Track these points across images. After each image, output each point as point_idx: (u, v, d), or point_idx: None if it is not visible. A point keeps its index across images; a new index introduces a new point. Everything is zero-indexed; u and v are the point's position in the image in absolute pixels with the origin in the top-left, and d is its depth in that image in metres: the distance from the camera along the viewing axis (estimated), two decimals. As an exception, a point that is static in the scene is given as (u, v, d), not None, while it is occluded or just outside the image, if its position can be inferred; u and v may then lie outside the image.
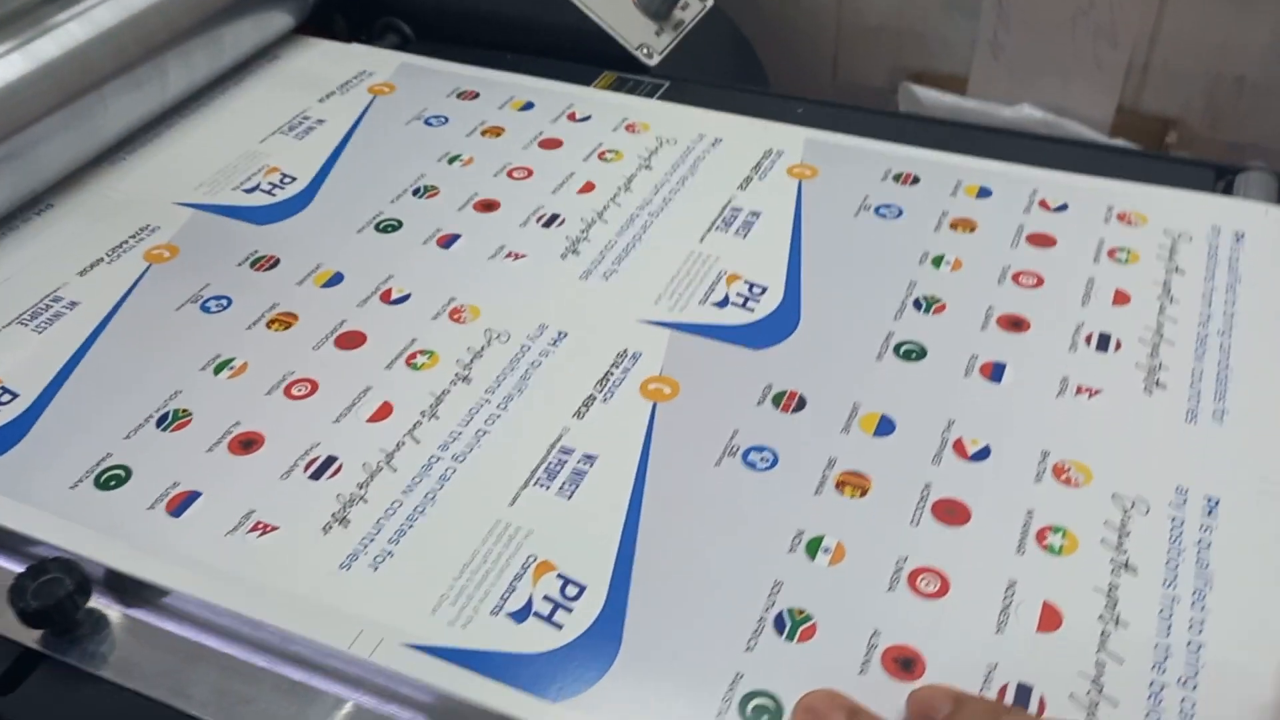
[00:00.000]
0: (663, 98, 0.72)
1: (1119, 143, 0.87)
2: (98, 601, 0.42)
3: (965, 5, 0.91)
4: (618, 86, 0.74)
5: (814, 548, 0.43)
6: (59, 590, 0.40)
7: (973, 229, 0.60)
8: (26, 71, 0.59)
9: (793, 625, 0.40)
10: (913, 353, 0.52)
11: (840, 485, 0.45)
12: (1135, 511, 0.44)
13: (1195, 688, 0.38)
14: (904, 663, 0.39)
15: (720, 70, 0.83)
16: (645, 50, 0.75)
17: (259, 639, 0.41)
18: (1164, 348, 0.52)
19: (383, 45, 0.80)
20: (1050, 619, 0.40)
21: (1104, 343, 0.52)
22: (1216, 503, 0.44)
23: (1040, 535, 0.43)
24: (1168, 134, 0.90)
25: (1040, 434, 0.47)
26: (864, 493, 0.45)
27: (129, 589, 0.43)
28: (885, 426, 0.48)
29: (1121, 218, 0.60)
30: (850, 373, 0.51)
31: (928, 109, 0.95)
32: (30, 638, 0.41)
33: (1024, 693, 0.38)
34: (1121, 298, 0.55)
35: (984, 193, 0.62)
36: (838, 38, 0.98)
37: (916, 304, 0.55)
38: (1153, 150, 0.89)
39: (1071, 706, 0.38)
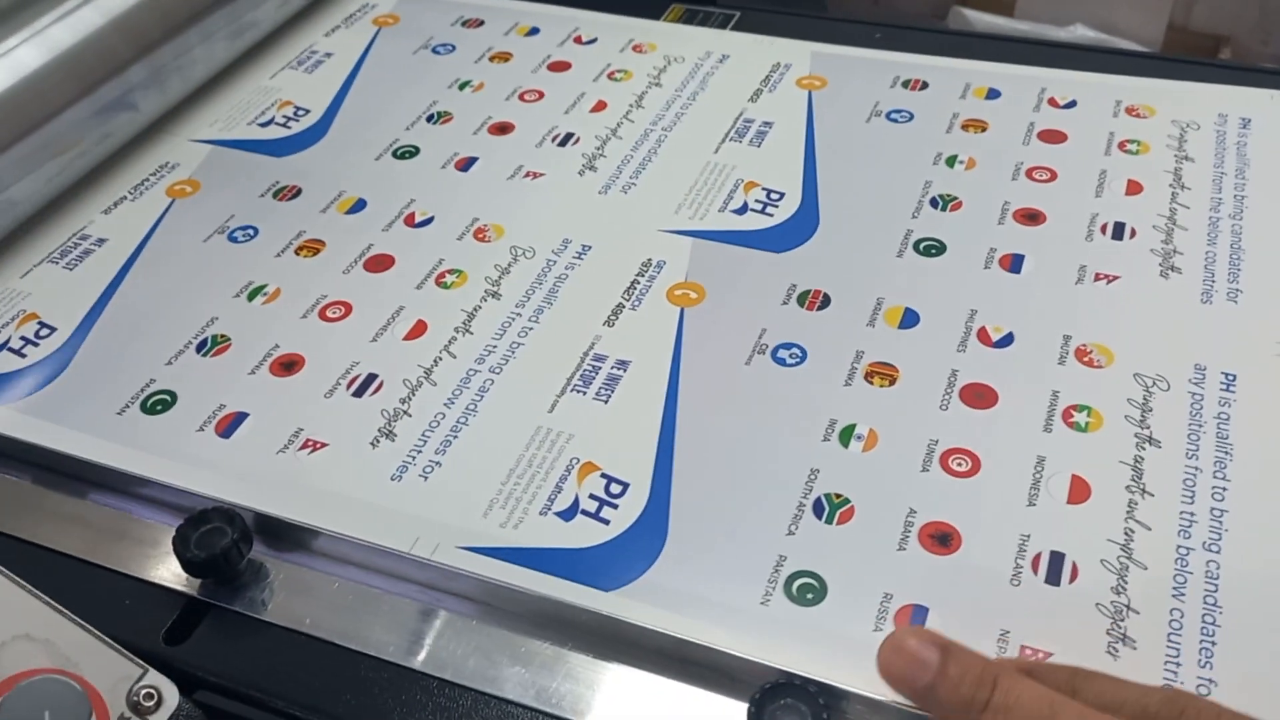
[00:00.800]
0: (735, 28, 0.71)
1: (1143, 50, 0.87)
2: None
3: None
4: (688, 20, 0.72)
5: (847, 436, 0.44)
6: (221, 539, 0.39)
7: (984, 129, 0.60)
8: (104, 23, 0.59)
9: (831, 509, 0.42)
10: (933, 249, 0.53)
11: (869, 376, 0.47)
12: (1156, 389, 0.45)
13: (1219, 550, 0.40)
14: (940, 538, 0.41)
15: None
16: None
17: (399, 570, 0.42)
18: (1178, 233, 0.53)
19: None
20: (1080, 491, 0.42)
21: (1119, 231, 0.53)
22: (1234, 378, 0.46)
23: (1066, 414, 0.45)
24: (1220, 51, 0.90)
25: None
26: (893, 382, 0.47)
27: (276, 530, 0.43)
28: (910, 319, 0.49)
29: (1130, 111, 0.61)
30: (872, 270, 0.52)
31: (979, 31, 0.94)
32: (193, 588, 0.41)
33: (1057, 559, 0.40)
34: (1134, 187, 0.56)
35: (993, 94, 0.63)
36: None
37: (933, 202, 0.56)
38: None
39: (1102, 571, 0.39)
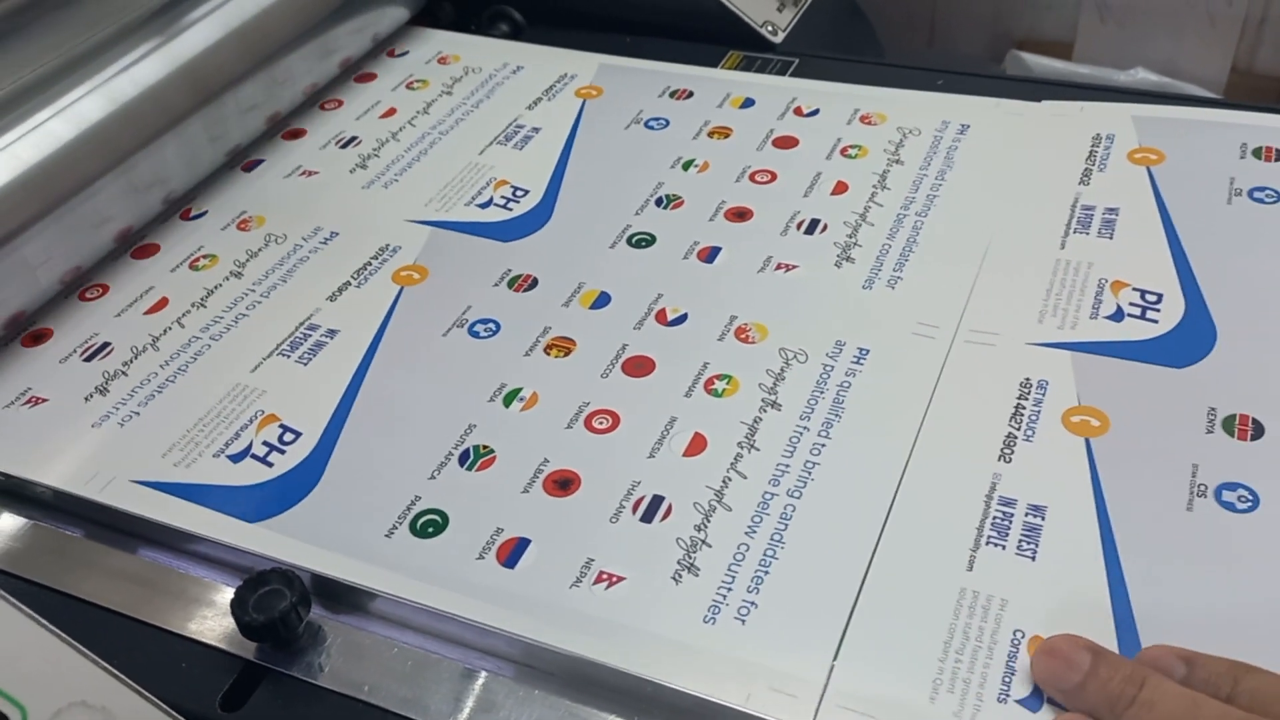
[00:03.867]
0: (795, 74, 0.70)
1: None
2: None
3: None
4: (745, 67, 0.71)
5: (510, 398, 0.49)
6: (280, 602, 0.38)
7: (727, 135, 0.64)
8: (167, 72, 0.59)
9: (475, 458, 0.46)
10: (643, 241, 0.57)
11: (549, 349, 0.51)
12: (795, 362, 0.49)
13: (800, 496, 0.43)
14: (561, 483, 0.45)
15: (838, 42, 0.79)
16: (770, 28, 0.72)
17: (485, 644, 0.40)
18: (864, 229, 0.56)
19: (493, 34, 0.77)
20: (697, 445, 0.46)
21: (811, 227, 0.56)
22: (867, 352, 0.49)
23: (709, 383, 0.48)
24: None
25: (734, 306, 0.52)
26: (567, 354, 0.51)
27: (339, 595, 0.42)
28: (602, 300, 0.54)
29: (864, 120, 0.63)
30: (583, 259, 0.56)
31: (1037, 76, 0.90)
32: (249, 651, 0.40)
33: (657, 501, 0.43)
34: (841, 188, 0.59)
35: (747, 103, 0.66)
36: (934, 4, 0.95)
37: (659, 201, 0.60)
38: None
39: (692, 511, 0.43)
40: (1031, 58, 0.91)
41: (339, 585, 0.41)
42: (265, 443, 0.48)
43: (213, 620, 0.41)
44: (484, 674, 0.39)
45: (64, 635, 0.35)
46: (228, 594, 0.41)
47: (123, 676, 0.34)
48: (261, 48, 0.64)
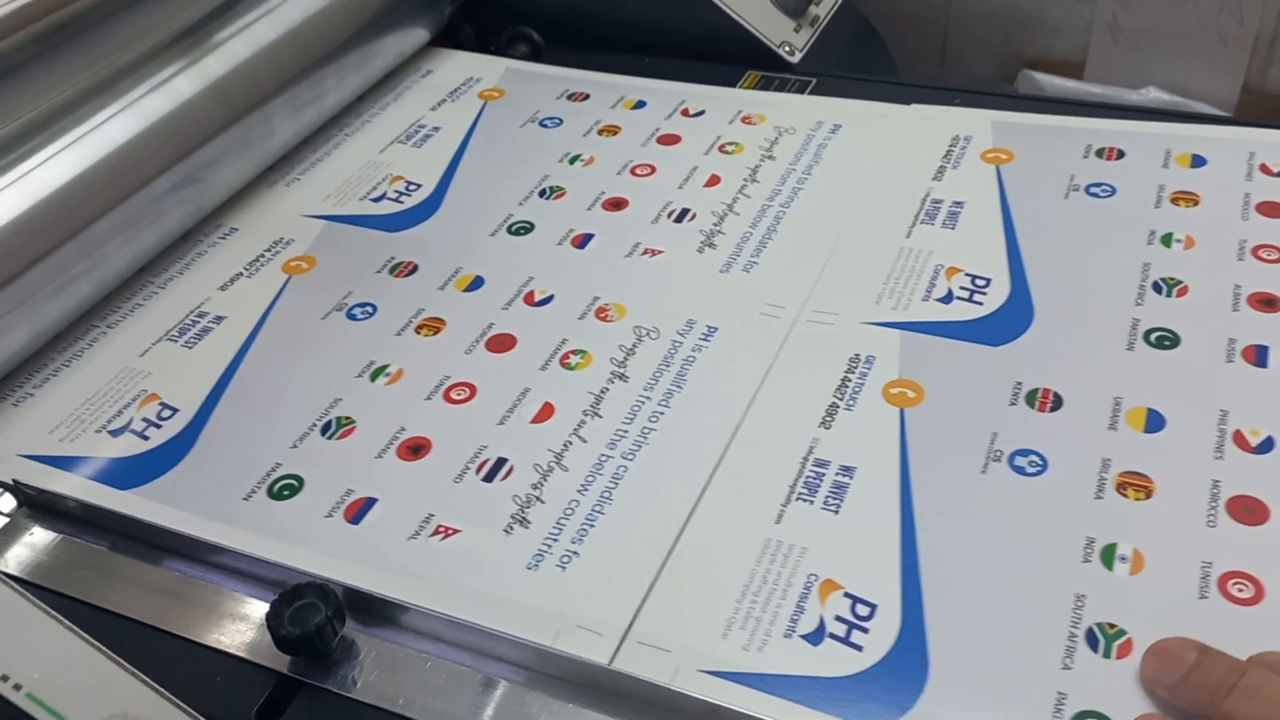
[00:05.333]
0: (813, 94, 0.71)
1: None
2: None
3: None
4: (764, 86, 0.72)
5: (377, 373, 0.52)
6: (315, 616, 0.38)
7: (616, 133, 0.68)
8: (194, 93, 0.60)
9: (336, 428, 0.49)
10: (522, 229, 0.60)
11: (420, 328, 0.54)
12: (647, 338, 0.51)
13: (633, 459, 0.46)
14: (414, 448, 0.48)
15: (853, 63, 0.81)
16: (787, 48, 0.73)
17: (514, 657, 0.40)
18: (729, 218, 0.59)
19: (513, 55, 0.78)
20: (545, 413, 0.49)
21: (681, 216, 0.60)
22: (715, 330, 0.52)
23: (564, 357, 0.51)
24: None
25: (599, 288, 0.55)
26: (436, 332, 0.54)
27: (373, 609, 0.42)
28: (476, 284, 0.57)
29: (745, 120, 0.67)
30: (463, 247, 0.59)
31: (1051, 95, 0.92)
32: (282, 664, 0.40)
33: (500, 463, 0.46)
34: (713, 180, 0.62)
35: (639, 105, 0.70)
36: (946, 26, 0.96)
37: (542, 193, 0.63)
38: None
39: (531, 472, 0.46)
40: (1043, 77, 0.92)
41: (373, 599, 0.41)
42: (144, 419, 0.51)
43: (246, 633, 0.41)
44: (503, 684, 0.39)
45: (104, 648, 0.35)
46: (258, 606, 0.42)
47: (162, 689, 0.34)
48: (291, 66, 0.66)
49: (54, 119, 0.55)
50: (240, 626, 0.42)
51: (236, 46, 0.62)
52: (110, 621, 0.42)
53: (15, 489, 0.47)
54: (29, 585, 0.43)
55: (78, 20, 0.57)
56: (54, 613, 0.35)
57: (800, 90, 0.71)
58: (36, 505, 0.47)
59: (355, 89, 0.72)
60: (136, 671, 0.34)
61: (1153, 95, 0.88)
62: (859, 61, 0.81)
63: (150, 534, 0.45)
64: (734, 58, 0.73)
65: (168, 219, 0.59)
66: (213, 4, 0.63)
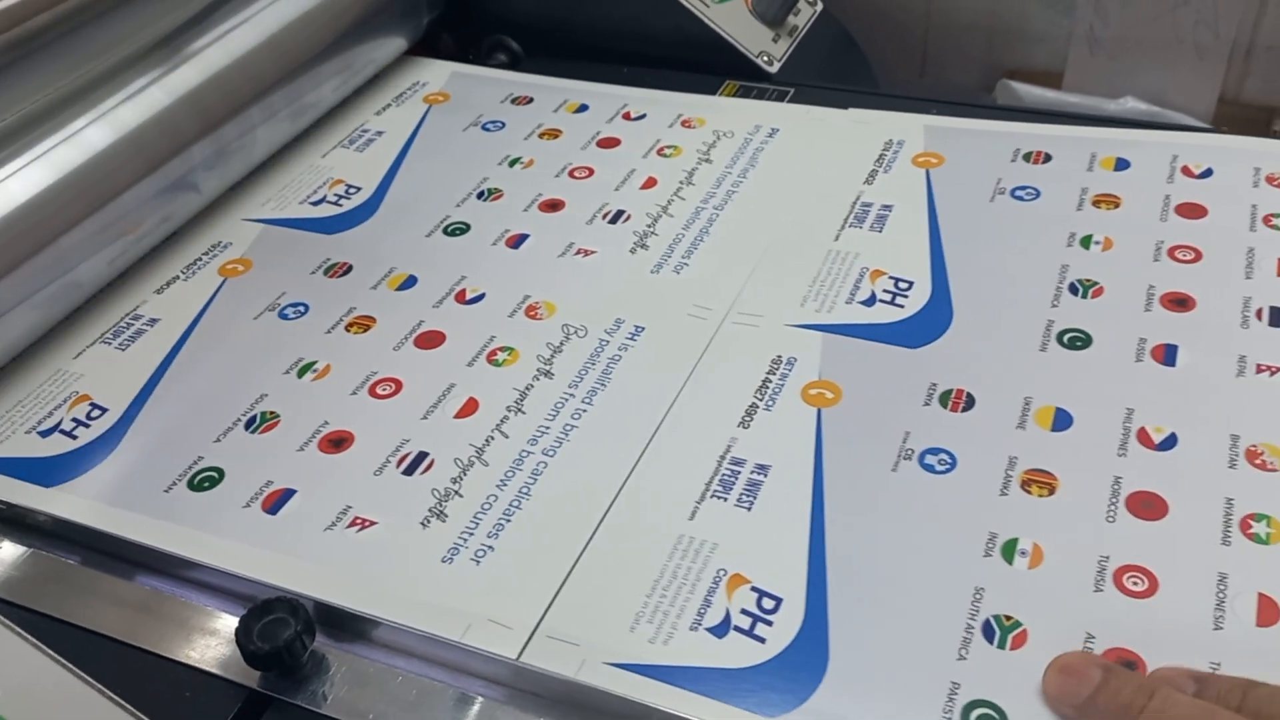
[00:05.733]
0: (790, 104, 0.71)
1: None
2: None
3: (1059, 0, 0.89)
4: (743, 96, 0.72)
5: (305, 369, 0.52)
6: (285, 631, 0.38)
7: (557, 136, 0.69)
8: (171, 102, 0.60)
9: (260, 422, 0.50)
10: (458, 230, 0.61)
11: (350, 326, 0.55)
12: (575, 336, 0.52)
13: (554, 455, 0.46)
14: (336, 441, 0.48)
15: (833, 73, 0.81)
16: (765, 58, 0.74)
17: (488, 672, 0.40)
18: (663, 220, 0.60)
19: (492, 64, 0.78)
20: (469, 408, 0.49)
21: (616, 217, 0.60)
22: (642, 329, 0.53)
23: (491, 355, 0.52)
24: (1273, 122, 0.88)
25: (530, 287, 0.56)
26: (366, 330, 0.55)
27: (343, 623, 0.41)
28: (409, 283, 0.57)
29: (685, 123, 0.68)
30: (399, 247, 0.60)
31: (1029, 105, 0.93)
32: (252, 679, 0.40)
33: (421, 457, 0.47)
34: (650, 183, 0.63)
35: (582, 108, 0.71)
36: (926, 37, 0.96)
37: (480, 194, 0.64)
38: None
39: (452, 466, 0.46)
40: (1022, 87, 0.91)
41: (343, 614, 0.41)
42: (74, 419, 0.51)
43: (215, 648, 0.41)
44: (480, 700, 0.39)
45: (69, 665, 0.34)
46: (228, 621, 0.41)
47: (129, 706, 0.34)
48: (269, 75, 0.66)
49: (22, 130, 0.55)
50: (210, 641, 0.41)
51: (212, 55, 0.62)
52: (80, 637, 0.42)
53: None
54: (-3, 601, 0.43)
55: (46, 30, 0.57)
56: (20, 630, 0.35)
57: (779, 100, 0.71)
58: (6, 519, 0.47)
59: (330, 99, 0.72)
60: (105, 690, 0.34)
61: (1130, 105, 0.89)
62: (838, 72, 0.81)
63: (120, 548, 0.44)
64: (713, 67, 0.74)
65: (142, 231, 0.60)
66: (186, 15, 0.63)
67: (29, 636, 0.35)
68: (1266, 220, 0.55)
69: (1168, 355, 0.49)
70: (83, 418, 0.51)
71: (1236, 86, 0.87)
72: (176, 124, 0.60)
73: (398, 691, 0.39)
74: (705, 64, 0.74)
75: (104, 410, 0.51)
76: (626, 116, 0.70)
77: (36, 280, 0.53)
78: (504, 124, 0.71)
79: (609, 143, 0.68)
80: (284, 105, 0.67)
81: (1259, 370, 0.47)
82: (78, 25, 0.58)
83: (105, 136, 0.57)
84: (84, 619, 0.42)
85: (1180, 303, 0.51)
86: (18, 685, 0.33)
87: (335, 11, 0.70)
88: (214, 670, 0.40)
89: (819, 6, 0.81)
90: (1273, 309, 0.50)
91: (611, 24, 0.76)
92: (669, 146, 0.67)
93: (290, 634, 0.38)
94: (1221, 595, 0.39)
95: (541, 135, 0.69)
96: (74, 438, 0.50)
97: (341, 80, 0.72)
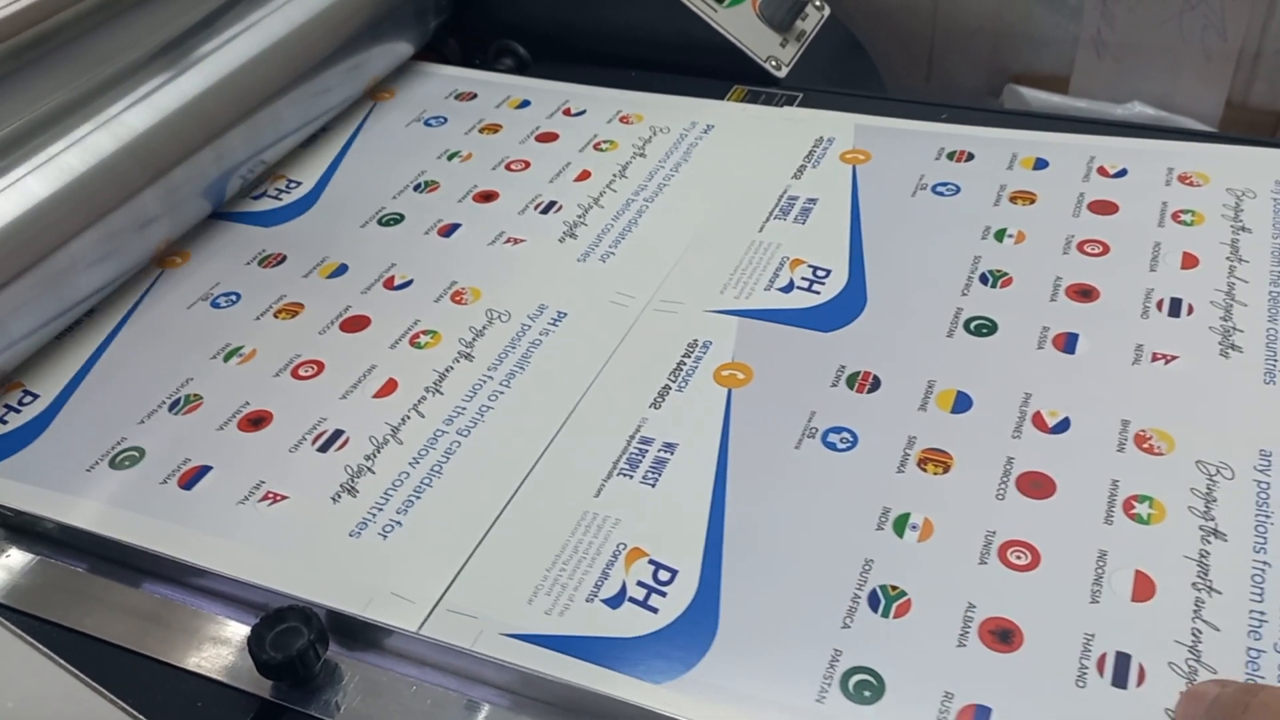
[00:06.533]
0: (799, 108, 0.71)
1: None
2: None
3: (1066, 5, 0.89)
4: (751, 100, 0.72)
5: (230, 354, 0.52)
6: (298, 640, 0.38)
7: (496, 131, 0.68)
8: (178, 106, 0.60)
9: (184, 404, 0.49)
10: (391, 220, 0.61)
11: (278, 313, 0.54)
12: (498, 321, 0.50)
13: (468, 435, 0.44)
14: (255, 420, 0.48)
15: (840, 77, 0.81)
16: (774, 62, 0.74)
17: (500, 681, 0.40)
18: (594, 211, 0.58)
19: (498, 69, 0.78)
20: (388, 388, 0.47)
21: (548, 208, 0.59)
22: (564, 315, 0.50)
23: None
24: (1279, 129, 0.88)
25: (457, 273, 0.54)
26: (294, 316, 0.54)
27: (356, 632, 0.41)
28: (339, 271, 0.58)
29: (623, 119, 0.67)
30: (332, 238, 0.59)
31: (1035, 110, 0.92)
32: (264, 689, 0.39)
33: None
34: (584, 175, 0.62)
35: (524, 104, 0.70)
36: (932, 41, 0.96)
37: (416, 187, 0.64)
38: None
39: (366, 443, 0.44)
40: (1029, 92, 0.91)
41: (356, 622, 0.40)
42: (5, 405, 0.52)
43: (226, 657, 0.41)
44: (487, 708, 0.39)
45: (82, 675, 0.34)
46: (238, 629, 0.41)
47: (140, 717, 0.34)
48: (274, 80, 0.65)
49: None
50: (221, 650, 0.41)
51: (216, 62, 0.62)
52: (89, 646, 0.42)
53: None
54: (5, 610, 0.43)
55: (48, 38, 0.56)
56: (29, 639, 0.35)
57: (788, 104, 0.71)
58: (13, 527, 0.46)
59: (337, 103, 0.71)
60: (115, 699, 0.34)
61: (1137, 110, 0.89)
62: (845, 76, 0.81)
63: (128, 555, 0.44)
64: (720, 72, 0.74)
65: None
66: (191, 21, 0.63)
67: (38, 645, 0.35)
68: (1175, 216, 0.56)
69: (1068, 343, 0.50)
70: (14, 404, 0.52)
71: (1244, 91, 0.87)
72: (123, 171, 0.57)
73: (411, 701, 0.39)
74: (713, 68, 0.74)
75: (35, 396, 0.52)
76: (566, 112, 0.71)
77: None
78: (446, 119, 0.72)
79: (547, 137, 0.69)
80: (288, 110, 0.67)
81: (1154, 359, 0.48)
82: (77, 35, 0.58)
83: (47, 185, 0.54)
84: (93, 627, 0.42)
85: (1085, 293, 0.52)
86: (27, 696, 0.33)
87: (342, 17, 0.70)
88: (226, 680, 0.40)
89: (826, 11, 0.81)
90: (1173, 299, 0.51)
91: (618, 28, 0.76)
92: (605, 141, 0.68)
93: (303, 643, 0.38)
94: (1100, 570, 0.40)
95: (482, 130, 0.70)
96: (4, 423, 0.51)
97: (349, 85, 0.72)
